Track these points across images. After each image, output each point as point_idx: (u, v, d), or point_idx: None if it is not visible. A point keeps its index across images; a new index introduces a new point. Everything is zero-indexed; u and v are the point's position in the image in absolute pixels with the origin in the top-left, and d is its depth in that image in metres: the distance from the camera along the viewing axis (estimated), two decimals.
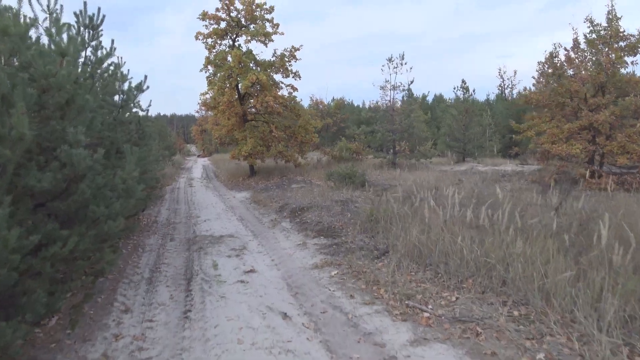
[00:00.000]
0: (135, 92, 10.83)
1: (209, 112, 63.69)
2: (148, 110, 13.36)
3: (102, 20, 8.08)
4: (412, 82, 22.60)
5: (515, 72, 69.86)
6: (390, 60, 22.77)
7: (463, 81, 27.75)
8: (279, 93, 22.94)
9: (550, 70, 17.31)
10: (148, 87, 11.51)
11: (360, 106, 61.27)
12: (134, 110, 11.91)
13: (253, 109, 24.42)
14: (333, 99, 50.66)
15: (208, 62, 22.69)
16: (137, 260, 8.64)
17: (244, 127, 23.06)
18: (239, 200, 17.22)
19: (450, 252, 7.08)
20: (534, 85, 28.23)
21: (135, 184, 7.18)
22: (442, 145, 28.95)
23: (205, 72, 23.25)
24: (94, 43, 8.24)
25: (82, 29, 8.13)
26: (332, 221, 11.04)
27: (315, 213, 12.02)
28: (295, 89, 23.81)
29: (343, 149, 27.03)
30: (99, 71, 8.38)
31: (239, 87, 22.88)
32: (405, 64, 22.94)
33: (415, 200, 10.26)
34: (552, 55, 17.18)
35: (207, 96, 23.91)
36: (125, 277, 7.49)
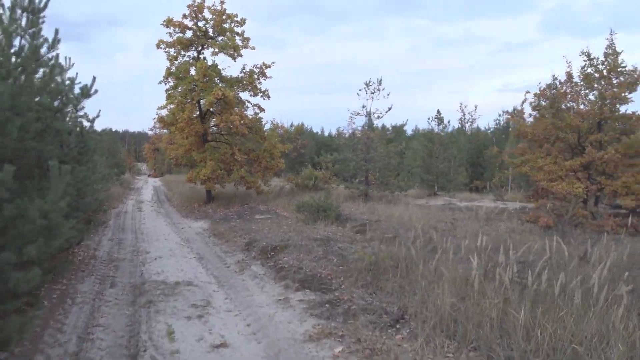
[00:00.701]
0: (79, 96, 8.74)
1: (164, 130, 61.05)
2: (94, 120, 11.17)
3: (45, 5, 6.37)
4: (390, 108, 21.04)
5: (475, 107, 70.16)
6: (367, 84, 21.19)
7: (438, 112, 26.55)
8: (245, 113, 20.91)
9: (545, 103, 16.02)
10: (96, 92, 9.43)
11: (319, 133, 59.71)
12: (79, 119, 9.81)
13: (214, 128, 22.29)
14: (292, 125, 48.94)
15: (169, 73, 20.50)
16: (62, 318, 6.35)
17: (203, 148, 20.86)
18: (195, 231, 14.95)
19: (508, 328, 5.21)
20: (508, 117, 27.30)
21: (62, 218, 5.09)
22: (414, 178, 27.44)
23: (165, 84, 21.04)
24: (32, 30, 6.37)
25: (18, 11, 6.31)
26: (316, 267, 9.02)
27: (292, 255, 9.95)
28: (262, 110, 21.92)
29: (310, 177, 25.11)
30: (33, 65, 6.30)
31: (201, 103, 20.74)
32: (383, 89, 21.44)
33: (406, 241, 8.44)
34: (550, 87, 15.91)
35: (165, 111, 21.65)
36: (40, 350, 5.24)
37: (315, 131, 57.20)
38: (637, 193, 13.84)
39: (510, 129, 51.04)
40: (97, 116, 11.80)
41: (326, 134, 59.09)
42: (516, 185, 36.60)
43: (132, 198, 26.96)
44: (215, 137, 22.45)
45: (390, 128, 23.46)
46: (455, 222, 14.00)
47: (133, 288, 8.03)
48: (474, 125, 59.96)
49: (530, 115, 17.48)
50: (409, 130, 55.44)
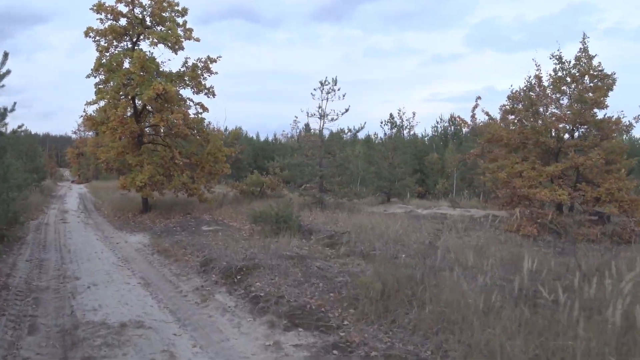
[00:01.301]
0: None
1: (90, 133, 56.96)
2: (5, 114, 9.05)
3: None
4: (347, 110, 19.44)
5: (414, 114, 70.06)
6: (323, 84, 19.51)
7: (391, 115, 25.28)
8: (187, 112, 18.75)
9: (521, 106, 14.98)
10: (9, 72, 7.43)
11: (254, 138, 57.46)
12: None
13: (151, 129, 19.93)
14: (226, 129, 46.66)
15: (99, 65, 17.96)
16: None
17: (139, 151, 18.48)
18: (134, 247, 12.72)
19: None
20: (447, 124, 26.51)
21: None
22: (366, 185, 25.96)
23: (95, 77, 18.48)
24: None
25: None
26: (300, 295, 7.26)
27: (265, 279, 8.11)
28: (205, 109, 19.71)
29: (257, 183, 23.13)
30: None
31: (137, 100, 18.37)
32: (339, 89, 19.82)
33: (392, 258, 6.89)
34: (527, 89, 14.89)
35: (94, 108, 19.10)
36: None
37: (250, 136, 55.02)
38: (621, 200, 13.12)
39: (450, 134, 51.23)
40: (12, 109, 9.57)
41: (262, 139, 56.96)
42: (459, 191, 36.17)
43: (55, 207, 23.96)
44: (152, 138, 20.09)
45: (348, 130, 21.90)
46: (438, 233, 12.56)
47: (62, 335, 5.89)
48: (412, 132, 59.76)
49: (489, 120, 16.44)
50: (360, 135, 54.35)
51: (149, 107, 19.20)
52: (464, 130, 33.36)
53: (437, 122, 52.31)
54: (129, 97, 18.10)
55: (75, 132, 59.95)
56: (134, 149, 18.70)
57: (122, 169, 19.47)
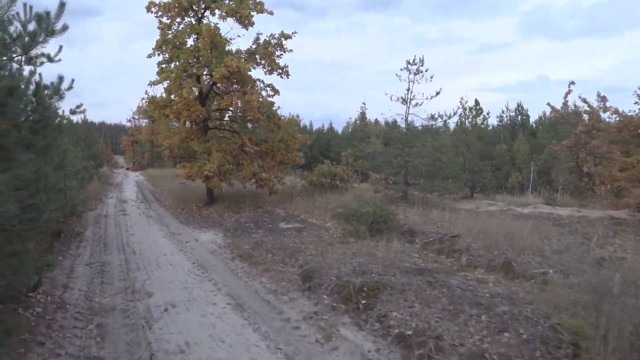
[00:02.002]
0: (35, 32, 4.84)
1: (144, 121, 56.34)
2: (60, 89, 7.16)
3: None
4: (438, 93, 17.04)
5: (477, 103, 66.63)
6: (411, 63, 17.19)
7: (476, 102, 22.61)
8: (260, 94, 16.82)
9: None
10: (66, 28, 5.42)
11: (307, 127, 55.24)
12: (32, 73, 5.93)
13: (217, 113, 18.10)
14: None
15: (163, 41, 16.20)
16: None
17: (205, 137, 16.68)
18: (208, 248, 10.83)
19: None
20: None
21: None
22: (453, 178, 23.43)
23: (159, 55, 16.76)
24: None
25: None
26: (461, 334, 5.21)
27: (399, 304, 6.08)
28: (276, 91, 17.66)
29: (328, 174, 21.07)
30: None
31: (202, 79, 16.57)
32: (426, 70, 17.45)
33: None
34: None
35: (157, 89, 17.39)
36: None
37: (303, 125, 52.90)
38: None
39: (518, 124, 47.86)
40: (69, 87, 7.66)
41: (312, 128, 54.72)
42: (536, 186, 33.22)
43: (113, 196, 22.58)
44: (218, 123, 18.27)
45: (439, 116, 19.55)
46: (585, 242, 10.19)
47: None
48: (475, 122, 56.39)
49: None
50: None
51: (215, 89, 17.38)
52: (535, 119, 30.03)
53: (503, 112, 48.97)
54: (194, 77, 16.29)
55: (129, 120, 59.62)
56: (200, 135, 16.92)
57: (186, 157, 17.71)
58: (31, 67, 5.94)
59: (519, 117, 49.18)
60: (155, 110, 17.35)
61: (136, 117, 57.17)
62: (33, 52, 5.86)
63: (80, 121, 30.44)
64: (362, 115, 50.28)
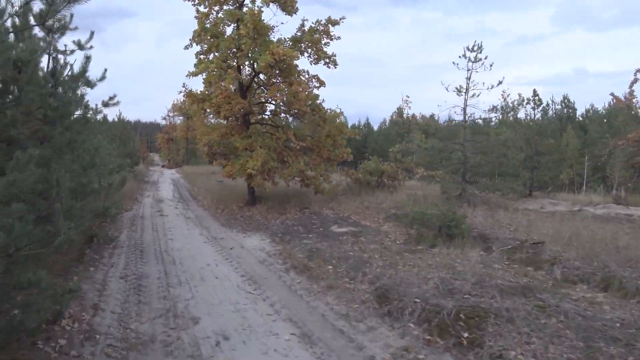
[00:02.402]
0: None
1: (179, 118, 55.87)
2: (87, 68, 5.98)
3: None
4: (500, 82, 15.42)
5: (520, 96, 64.04)
6: (470, 49, 15.60)
7: (535, 92, 20.82)
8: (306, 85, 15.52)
9: None
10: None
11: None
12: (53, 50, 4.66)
13: (259, 107, 16.87)
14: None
15: (202, 29, 15.05)
16: None
17: (246, 132, 15.49)
18: (256, 256, 9.57)
19: None
20: None
21: None
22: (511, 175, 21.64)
23: (198, 44, 15.64)
24: None
25: None
26: None
27: (513, 338, 4.70)
28: (322, 83, 16.30)
29: (375, 171, 19.66)
30: None
31: (242, 71, 15.38)
32: (486, 58, 15.84)
33: None
34: None
35: (193, 83, 16.28)
36: None
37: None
38: None
39: (564, 118, 45.51)
40: (102, 77, 6.65)
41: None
42: (591, 183, 31.22)
43: (149, 195, 21.64)
44: (260, 118, 17.07)
45: (500, 108, 18.27)
46: None
47: None
48: (518, 116, 53.94)
49: None
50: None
51: (257, 81, 16.18)
52: (581, 112, 27.90)
53: (548, 105, 46.63)
54: (235, 68, 15.10)
55: (164, 118, 59.26)
56: (241, 131, 15.74)
57: (226, 154, 16.54)
58: (49, 41, 4.78)
59: (566, 110, 46.88)
60: (193, 105, 16.22)
61: (171, 114, 56.75)
62: (50, 23, 4.67)
63: (116, 118, 29.66)
64: (400, 111, 48.60)
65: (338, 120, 16.39)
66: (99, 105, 9.17)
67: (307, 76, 15.91)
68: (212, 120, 18.03)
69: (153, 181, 30.82)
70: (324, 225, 12.48)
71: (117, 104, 9.16)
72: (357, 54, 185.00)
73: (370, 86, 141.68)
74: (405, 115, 48.16)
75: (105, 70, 8.15)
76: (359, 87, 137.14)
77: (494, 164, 15.08)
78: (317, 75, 16.09)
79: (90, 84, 7.13)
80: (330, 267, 8.17)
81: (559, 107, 47.62)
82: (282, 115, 16.30)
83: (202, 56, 15.66)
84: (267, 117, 17.09)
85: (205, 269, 8.36)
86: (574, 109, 47.66)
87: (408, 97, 32.53)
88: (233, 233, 12.15)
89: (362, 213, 14.54)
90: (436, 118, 38.07)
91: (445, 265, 7.65)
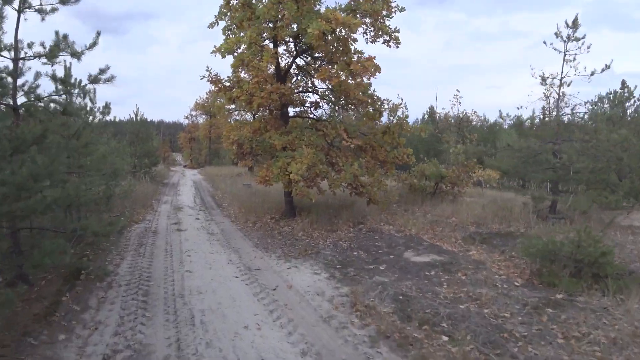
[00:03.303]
0: None
1: (202, 117, 53.02)
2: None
3: None
4: (608, 67, 12.06)
5: (623, 85, 59.64)
6: (568, 25, 12.26)
7: (623, 83, 17.36)
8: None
9: None
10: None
11: None
12: None
13: (298, 96, 13.71)
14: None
15: None
16: None
17: (285, 127, 12.42)
18: (313, 306, 6.38)
19: None
20: None
21: None
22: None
23: (224, 18, 12.59)
24: None
25: None
26: None
27: None
28: (377, 69, 12.90)
29: (434, 175, 16.43)
30: None
31: (279, 51, 12.29)
32: (583, 37, 12.48)
33: None
34: None
35: (221, 65, 13.22)
36: None
37: None
38: None
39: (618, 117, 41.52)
40: (104, 70, 4.19)
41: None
42: None
43: (167, 200, 18.66)
44: (300, 110, 13.97)
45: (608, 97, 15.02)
46: None
47: None
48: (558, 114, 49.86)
49: None
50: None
51: (298, 64, 13.08)
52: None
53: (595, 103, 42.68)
54: (273, 44, 12.02)
55: (187, 117, 56.75)
56: (277, 125, 12.66)
57: (259, 153, 13.41)
58: None
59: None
60: (220, 93, 13.13)
61: (194, 113, 54.17)
62: None
63: (133, 117, 26.76)
64: (432, 110, 45.11)
65: (400, 114, 13.09)
66: (87, 84, 6.43)
67: (362, 57, 12.62)
68: (239, 115, 14.95)
69: (173, 183, 27.88)
70: (393, 250, 9.34)
71: (110, 79, 6.29)
72: (383, 54, 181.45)
73: (397, 86, 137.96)
74: (455, 113, 44.59)
75: (98, 34, 6.00)
76: (385, 87, 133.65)
77: (605, 170, 11.63)
78: (371, 57, 12.78)
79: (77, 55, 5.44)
80: (445, 338, 4.99)
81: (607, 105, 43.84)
82: (329, 106, 13.14)
83: (229, 32, 12.58)
84: (308, 108, 13.96)
85: (243, 339, 5.22)
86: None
87: (458, 91, 28.84)
88: (272, 260, 8.99)
89: (431, 230, 11.42)
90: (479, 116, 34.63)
91: (621, 335, 4.44)
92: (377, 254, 9.20)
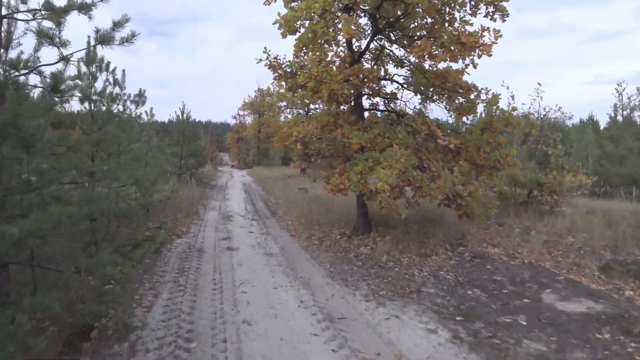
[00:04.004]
0: None
1: (249, 117, 51.08)
2: None
3: None
4: None
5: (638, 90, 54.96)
6: None
7: None
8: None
9: None
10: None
11: None
12: None
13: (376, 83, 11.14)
14: None
15: None
16: None
17: (361, 123, 9.94)
18: None
19: None
20: None
21: None
22: None
23: None
24: None
25: None
26: None
27: None
28: (487, 49, 9.96)
29: (530, 182, 13.61)
30: None
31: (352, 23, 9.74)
32: None
33: None
34: None
35: (280, 46, 10.88)
36: None
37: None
38: None
39: None
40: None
41: None
42: None
43: (215, 207, 16.47)
44: (375, 102, 11.47)
45: None
46: None
47: None
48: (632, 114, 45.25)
49: None
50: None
51: (377, 43, 10.59)
52: None
53: None
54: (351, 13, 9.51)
55: (234, 117, 55.33)
56: (352, 120, 10.21)
57: (329, 155, 10.93)
58: None
59: None
60: (279, 80, 10.76)
61: (241, 113, 52.49)
62: None
63: (179, 116, 24.76)
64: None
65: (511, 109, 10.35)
66: (96, 46, 4.01)
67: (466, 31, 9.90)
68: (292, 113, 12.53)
69: (220, 186, 25.81)
70: (522, 289, 6.78)
71: (131, 39, 3.98)
72: None
73: None
74: (537, 108, 41.10)
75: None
76: None
77: None
78: (487, 28, 9.87)
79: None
80: None
81: None
82: (417, 96, 10.57)
83: (294, 3, 10.16)
84: (385, 99, 11.42)
85: None
86: None
87: (540, 84, 25.63)
88: (359, 301, 6.49)
89: (548, 255, 8.80)
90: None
91: None
92: (502, 295, 6.60)
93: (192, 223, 12.65)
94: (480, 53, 8.73)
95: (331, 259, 8.87)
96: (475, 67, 8.76)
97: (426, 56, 8.51)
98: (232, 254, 9.25)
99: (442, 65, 9.47)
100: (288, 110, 34.16)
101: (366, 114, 11.15)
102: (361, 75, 9.00)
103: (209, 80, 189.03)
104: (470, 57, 8.80)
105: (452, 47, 8.34)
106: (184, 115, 24.79)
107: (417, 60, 9.52)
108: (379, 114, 11.25)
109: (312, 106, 19.30)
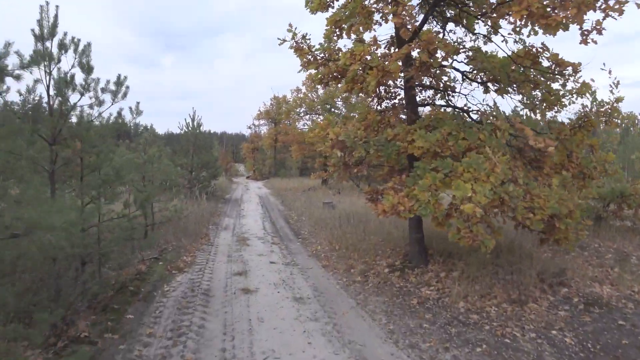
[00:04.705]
0: None
1: (265, 127, 48.62)
2: None
3: None
4: None
5: None
6: None
7: None
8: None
9: None
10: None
11: None
12: None
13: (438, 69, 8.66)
14: None
15: None
16: None
17: (419, 122, 7.47)
18: None
19: None
20: None
21: None
22: None
23: None
24: None
25: None
26: None
27: None
28: (610, 11, 7.36)
29: (610, 193, 11.07)
30: None
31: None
32: None
33: None
34: None
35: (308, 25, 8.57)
36: None
37: None
38: None
39: None
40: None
41: None
42: None
43: (228, 225, 14.08)
44: (434, 95, 8.99)
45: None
46: None
47: None
48: None
49: None
50: None
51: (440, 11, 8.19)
52: None
53: None
54: None
55: (249, 127, 53.61)
56: (399, 119, 7.79)
57: (378, 165, 8.45)
58: None
59: None
60: (309, 65, 8.36)
61: (256, 123, 50.41)
62: None
63: (189, 124, 22.31)
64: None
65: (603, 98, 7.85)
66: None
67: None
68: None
69: (235, 199, 23.38)
70: None
71: None
72: None
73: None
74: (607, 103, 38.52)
75: None
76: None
77: None
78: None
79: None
80: None
81: None
82: (494, 87, 8.09)
83: None
84: (442, 92, 8.94)
85: None
86: None
87: (612, 74, 22.62)
88: None
89: None
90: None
91: None
92: None
93: (199, 250, 10.25)
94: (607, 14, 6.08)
95: (386, 308, 6.39)
96: (601, 32, 6.15)
97: (526, 21, 5.98)
98: (249, 299, 6.80)
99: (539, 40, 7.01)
100: (307, 116, 31.76)
101: (419, 110, 8.69)
102: (430, 49, 6.52)
103: (226, 91, 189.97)
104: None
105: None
106: (194, 122, 22.37)
107: (509, 32, 7.04)
108: (447, 109, 8.74)
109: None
